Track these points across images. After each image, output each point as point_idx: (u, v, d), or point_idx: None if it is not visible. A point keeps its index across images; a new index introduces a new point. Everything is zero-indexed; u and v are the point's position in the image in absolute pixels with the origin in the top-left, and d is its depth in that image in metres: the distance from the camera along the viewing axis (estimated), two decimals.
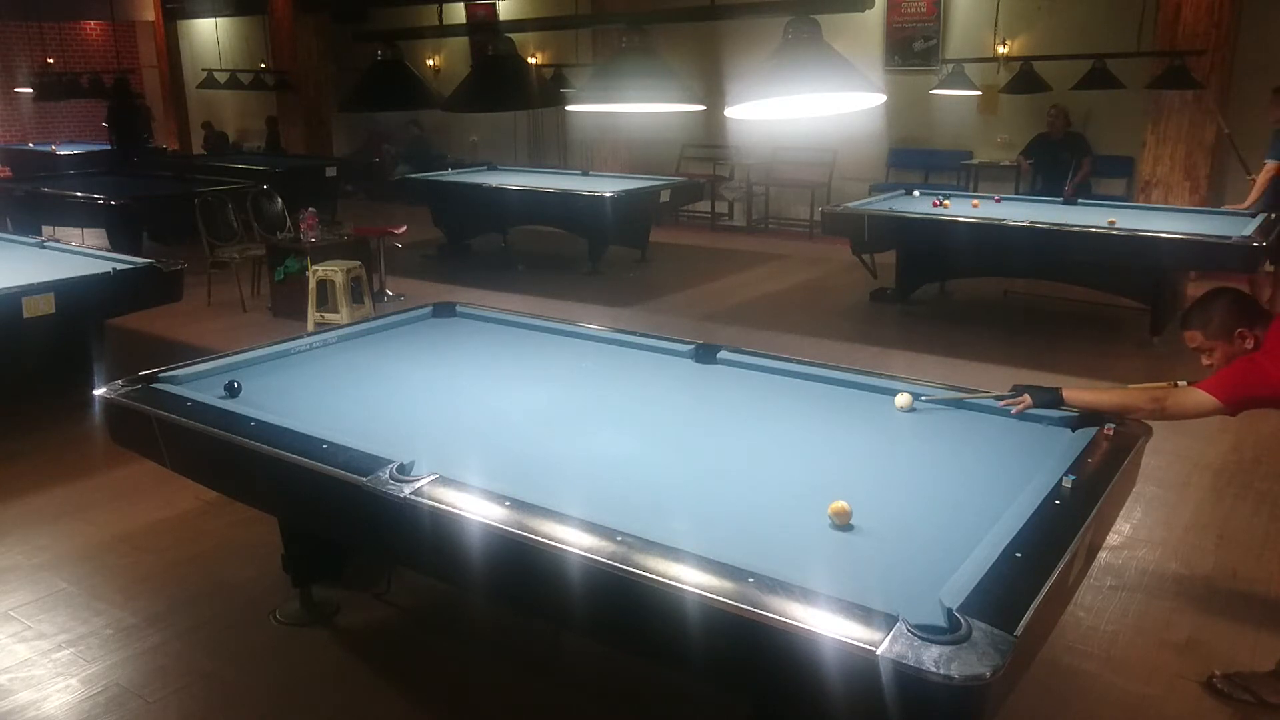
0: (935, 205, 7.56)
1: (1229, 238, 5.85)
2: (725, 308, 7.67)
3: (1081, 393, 2.83)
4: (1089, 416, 2.75)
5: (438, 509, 2.20)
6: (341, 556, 3.47)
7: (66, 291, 4.84)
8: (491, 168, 11.07)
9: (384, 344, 3.74)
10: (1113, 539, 3.78)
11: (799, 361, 3.38)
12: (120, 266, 5.27)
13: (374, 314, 6.12)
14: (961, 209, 7.37)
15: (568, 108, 3.49)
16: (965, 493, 2.40)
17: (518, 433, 2.84)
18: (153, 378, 3.09)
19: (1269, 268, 6.51)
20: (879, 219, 7.19)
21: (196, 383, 3.11)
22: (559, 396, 3.19)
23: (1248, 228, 6.14)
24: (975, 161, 9.98)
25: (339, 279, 6.49)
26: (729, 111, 2.43)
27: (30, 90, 13.79)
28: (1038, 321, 7.27)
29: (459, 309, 4.18)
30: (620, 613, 2.04)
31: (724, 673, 2.07)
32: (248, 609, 3.37)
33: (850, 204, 7.84)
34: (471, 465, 2.39)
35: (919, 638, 1.64)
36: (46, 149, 14.07)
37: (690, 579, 1.85)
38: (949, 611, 1.72)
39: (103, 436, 3.39)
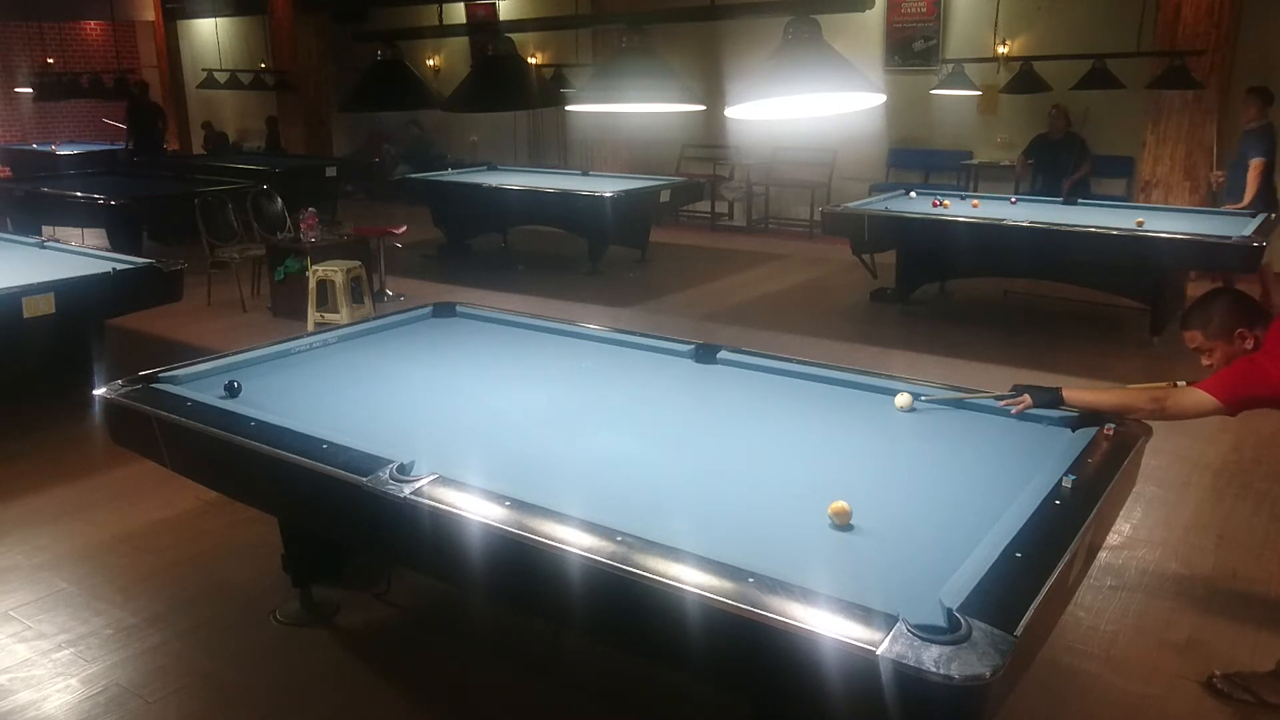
0: (935, 205, 7.56)
1: (1229, 238, 5.86)
2: (725, 308, 7.67)
3: (1081, 393, 2.83)
4: (1089, 416, 2.75)
5: (438, 509, 2.20)
6: (341, 556, 3.47)
7: (66, 291, 4.84)
8: (491, 168, 11.07)
9: (384, 344, 3.74)
10: (1113, 539, 3.78)
11: (799, 361, 3.38)
12: (120, 266, 5.27)
13: (374, 314, 6.12)
14: (961, 209, 7.37)
15: (568, 108, 3.49)
16: (965, 493, 2.40)
17: (518, 433, 2.84)
18: (153, 378, 3.09)
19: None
20: (879, 219, 7.19)
21: (196, 383, 3.11)
22: (559, 396, 3.19)
23: (1248, 228, 6.14)
24: (975, 161, 9.98)
25: (339, 279, 6.49)
26: (729, 111, 2.43)
27: (30, 90, 13.79)
28: (1038, 321, 7.27)
29: (459, 309, 4.18)
30: (620, 613, 2.04)
31: (724, 673, 2.07)
32: (248, 609, 3.37)
33: (850, 204, 7.85)
34: (471, 465, 2.39)
35: (919, 638, 1.64)
36: (47, 149, 14.07)
37: (690, 579, 1.84)
38: (949, 611, 1.72)
39: (103, 436, 3.39)
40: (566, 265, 9.16)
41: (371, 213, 11.18)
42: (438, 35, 11.36)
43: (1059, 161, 8.34)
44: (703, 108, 2.94)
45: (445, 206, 9.69)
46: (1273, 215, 6.53)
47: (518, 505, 2.16)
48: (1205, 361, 2.87)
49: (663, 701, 2.93)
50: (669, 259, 9.57)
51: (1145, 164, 8.28)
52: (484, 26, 9.85)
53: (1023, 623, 1.71)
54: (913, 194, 8.10)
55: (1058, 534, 2.05)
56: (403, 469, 2.34)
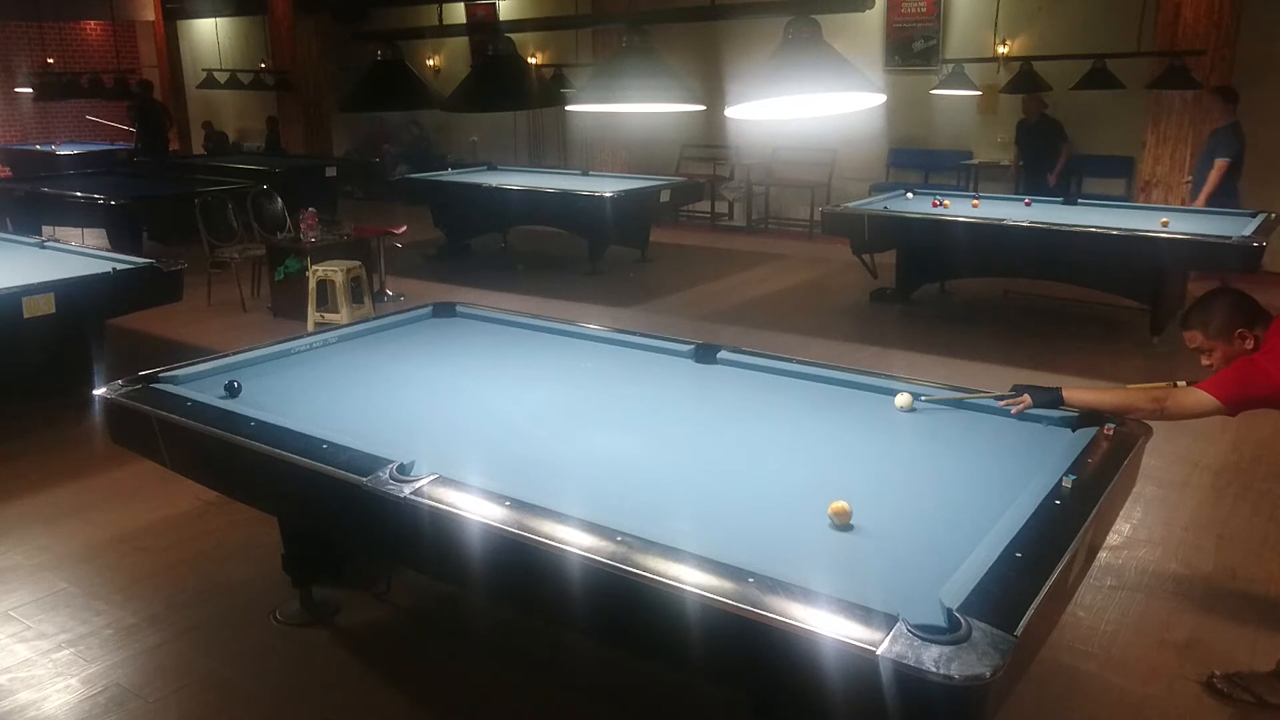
0: (935, 205, 7.56)
1: (1229, 238, 5.86)
2: (725, 308, 7.67)
3: (1082, 392, 2.83)
4: (1089, 416, 2.75)
5: (438, 509, 2.20)
6: (341, 556, 3.47)
7: (66, 291, 4.84)
8: (491, 168, 11.07)
9: (384, 344, 3.74)
10: (1113, 539, 3.78)
11: (799, 361, 3.38)
12: (120, 266, 5.27)
13: (374, 314, 6.12)
14: (962, 209, 7.37)
15: (568, 108, 3.49)
16: (965, 493, 2.40)
17: (518, 433, 2.84)
18: (153, 378, 3.09)
19: None
20: (879, 219, 7.19)
21: (196, 383, 3.11)
22: (559, 396, 3.19)
23: (1248, 228, 6.14)
24: (975, 161, 9.98)
25: (339, 279, 6.49)
26: (729, 112, 2.43)
27: (30, 90, 13.79)
28: (1038, 321, 7.27)
29: (459, 309, 4.18)
30: (620, 613, 2.04)
31: (724, 673, 2.07)
32: (248, 609, 3.37)
33: (850, 204, 7.85)
34: (471, 465, 2.39)
35: (919, 638, 1.64)
36: (47, 149, 14.07)
37: (690, 579, 1.84)
38: (949, 611, 1.72)
39: (103, 436, 3.39)
40: (566, 265, 9.15)
41: (371, 213, 11.18)
42: (438, 35, 11.36)
43: (1035, 145, 8.74)
44: (703, 108, 2.94)
45: (445, 206, 9.69)
46: (1273, 215, 6.53)
47: (518, 505, 2.16)
48: (1205, 361, 2.87)
49: (663, 701, 2.93)
50: (669, 259, 9.57)
51: (1145, 164, 8.28)
52: (484, 26, 9.84)
53: (1023, 623, 1.71)
54: (909, 194, 8.10)
55: (1058, 534, 2.05)
56: (403, 469, 2.34)
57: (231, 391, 2.98)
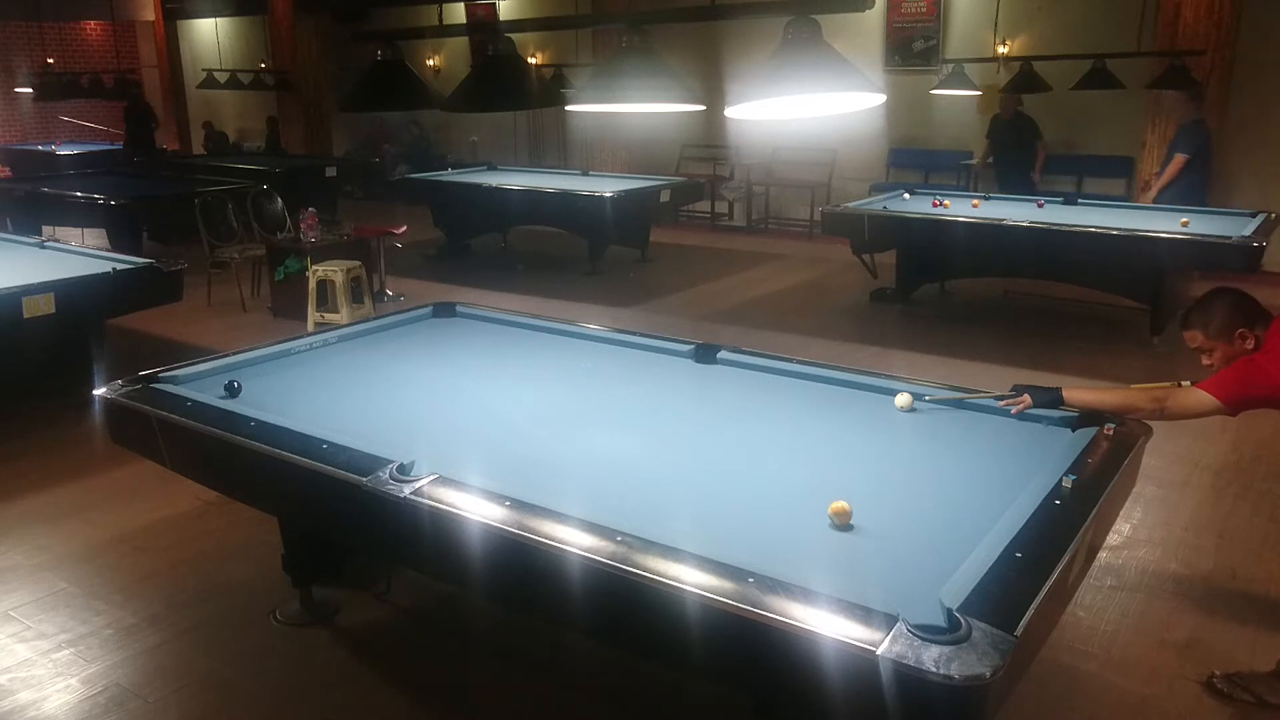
0: (935, 205, 7.56)
1: (1229, 238, 5.86)
2: (725, 308, 7.67)
3: (1082, 392, 2.83)
4: (1089, 416, 2.75)
5: (438, 509, 2.20)
6: (341, 556, 3.47)
7: (66, 291, 4.84)
8: (491, 168, 11.07)
9: (384, 344, 3.74)
10: (1113, 539, 3.78)
11: (799, 361, 3.38)
12: (120, 266, 5.27)
13: (374, 314, 6.12)
14: (962, 209, 7.37)
15: (568, 108, 3.49)
16: (965, 493, 2.40)
17: (518, 433, 2.84)
18: (153, 378, 3.09)
19: None
20: (879, 219, 7.19)
21: (196, 383, 3.11)
22: (559, 396, 3.19)
23: (1248, 228, 6.14)
24: (975, 161, 9.98)
25: (339, 279, 6.49)
26: (729, 112, 2.43)
27: (30, 90, 13.80)
28: (1038, 321, 7.27)
29: (459, 309, 4.18)
30: (620, 613, 2.04)
31: (724, 673, 2.07)
32: (248, 609, 3.37)
33: (850, 204, 7.84)
34: (471, 465, 2.39)
35: (919, 638, 1.64)
36: (47, 149, 14.08)
37: (690, 579, 1.84)
38: (949, 611, 1.72)
39: (103, 436, 3.39)
40: (566, 265, 9.15)
41: (371, 213, 11.17)
42: (438, 35, 11.36)
43: (1008, 141, 8.92)
44: (703, 108, 2.94)
45: (445, 206, 9.69)
46: (1273, 215, 6.53)
47: (518, 505, 2.16)
48: (1205, 361, 2.87)
49: (663, 701, 2.93)
50: (669, 259, 9.57)
51: (1145, 164, 8.27)
52: (484, 26, 9.84)
53: (1023, 623, 1.71)
54: (906, 195, 8.10)
55: (1058, 534, 2.05)
56: (403, 469, 2.34)
57: (231, 391, 2.98)
